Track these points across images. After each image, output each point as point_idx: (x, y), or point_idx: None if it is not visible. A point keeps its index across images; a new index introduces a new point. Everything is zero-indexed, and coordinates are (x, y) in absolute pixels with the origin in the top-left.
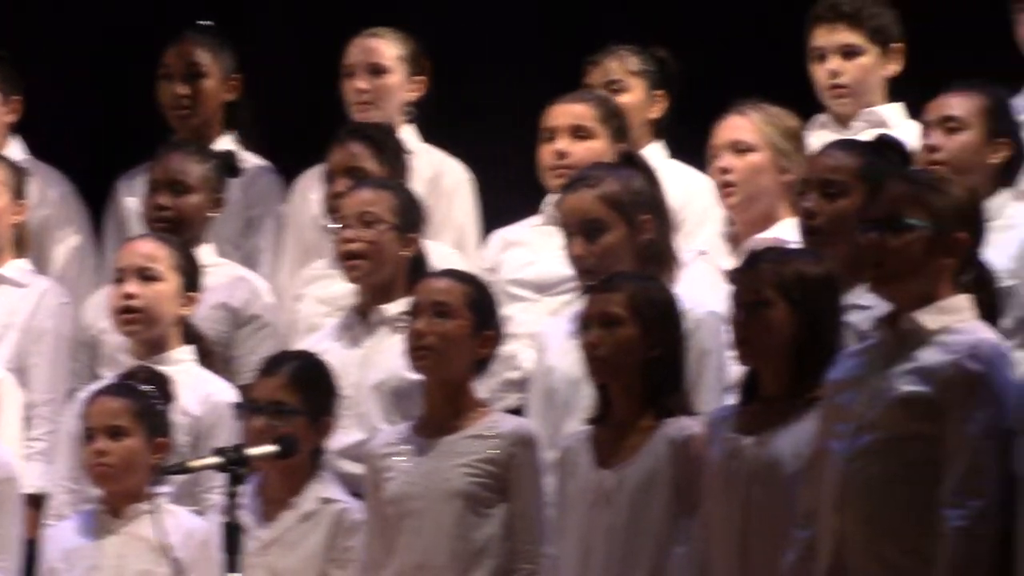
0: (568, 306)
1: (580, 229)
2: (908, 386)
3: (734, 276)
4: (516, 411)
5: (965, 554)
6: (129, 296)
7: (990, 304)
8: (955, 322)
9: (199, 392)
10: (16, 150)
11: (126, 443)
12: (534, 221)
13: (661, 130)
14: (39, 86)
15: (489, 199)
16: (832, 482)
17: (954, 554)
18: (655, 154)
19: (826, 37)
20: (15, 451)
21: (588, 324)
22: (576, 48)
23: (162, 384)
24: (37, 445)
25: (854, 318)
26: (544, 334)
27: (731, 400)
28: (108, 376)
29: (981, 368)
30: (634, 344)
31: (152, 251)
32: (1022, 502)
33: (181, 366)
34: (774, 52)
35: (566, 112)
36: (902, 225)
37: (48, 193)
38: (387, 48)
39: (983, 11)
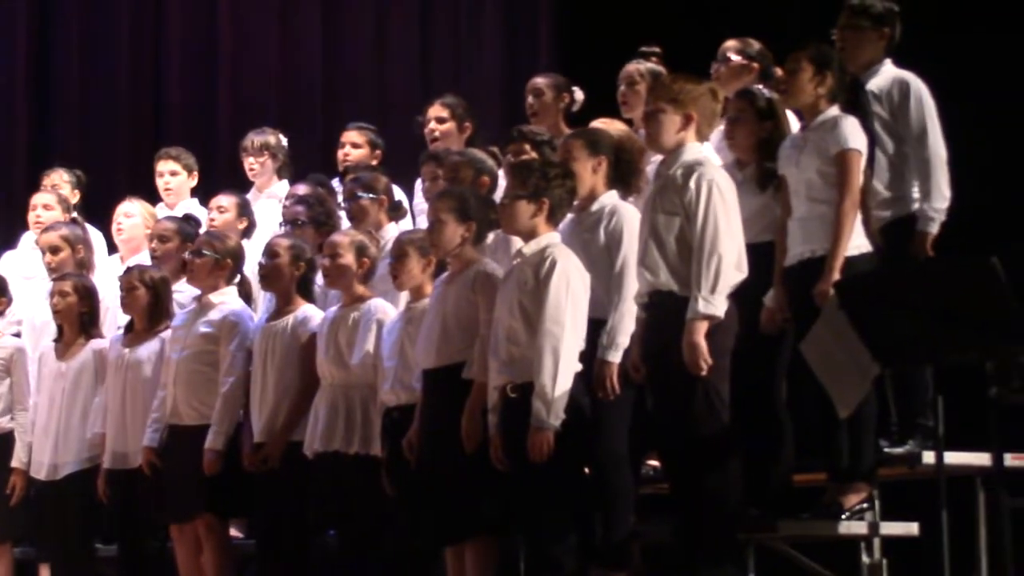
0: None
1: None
2: (203, 328)
3: None
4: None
5: (226, 401)
6: None
7: (248, 294)
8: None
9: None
10: None
11: None
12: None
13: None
14: None
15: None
16: (171, 370)
17: (222, 402)
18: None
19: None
20: None
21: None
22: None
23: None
24: None
25: (181, 299)
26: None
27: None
28: None
29: (236, 320)
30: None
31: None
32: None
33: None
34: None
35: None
36: (201, 255)
37: None
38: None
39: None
